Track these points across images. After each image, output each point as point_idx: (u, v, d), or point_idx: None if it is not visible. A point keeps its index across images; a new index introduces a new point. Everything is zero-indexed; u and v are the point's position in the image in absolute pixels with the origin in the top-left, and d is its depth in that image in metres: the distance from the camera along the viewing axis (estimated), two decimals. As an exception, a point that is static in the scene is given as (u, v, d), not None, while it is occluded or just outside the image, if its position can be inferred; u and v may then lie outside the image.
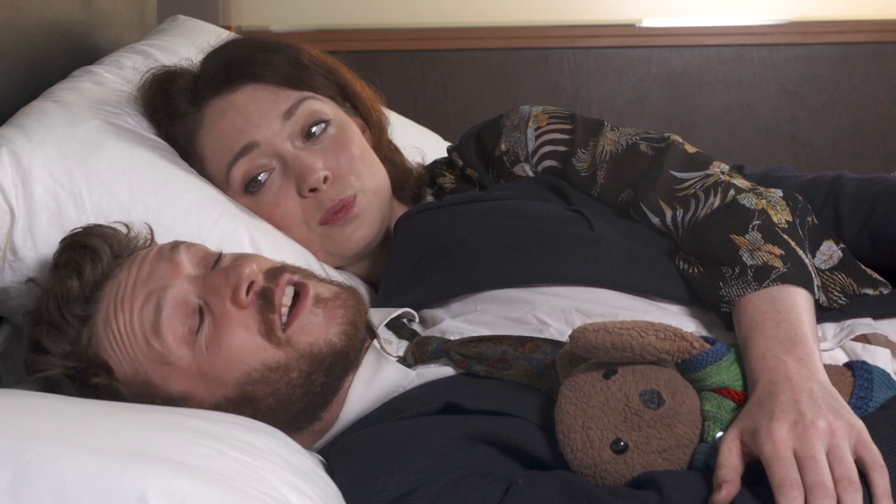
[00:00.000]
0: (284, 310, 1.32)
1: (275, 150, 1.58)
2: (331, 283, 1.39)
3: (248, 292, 1.29)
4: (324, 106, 1.63)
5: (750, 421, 1.15)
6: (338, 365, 1.33)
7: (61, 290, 1.32)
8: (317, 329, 1.31)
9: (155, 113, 1.67)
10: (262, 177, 1.58)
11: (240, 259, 1.34)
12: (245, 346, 1.29)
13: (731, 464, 1.13)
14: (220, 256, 1.36)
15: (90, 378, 1.31)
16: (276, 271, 1.34)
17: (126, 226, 1.43)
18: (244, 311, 1.30)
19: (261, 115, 1.59)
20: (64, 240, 1.40)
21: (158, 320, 1.29)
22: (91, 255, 1.34)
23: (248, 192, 1.59)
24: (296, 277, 1.34)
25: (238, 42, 1.71)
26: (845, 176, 1.57)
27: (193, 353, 1.29)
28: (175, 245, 1.35)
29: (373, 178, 1.62)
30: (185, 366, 1.29)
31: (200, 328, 1.29)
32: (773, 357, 1.21)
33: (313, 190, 1.57)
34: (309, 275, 1.38)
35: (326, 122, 1.61)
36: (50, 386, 1.33)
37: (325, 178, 1.57)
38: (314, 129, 1.60)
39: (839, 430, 1.12)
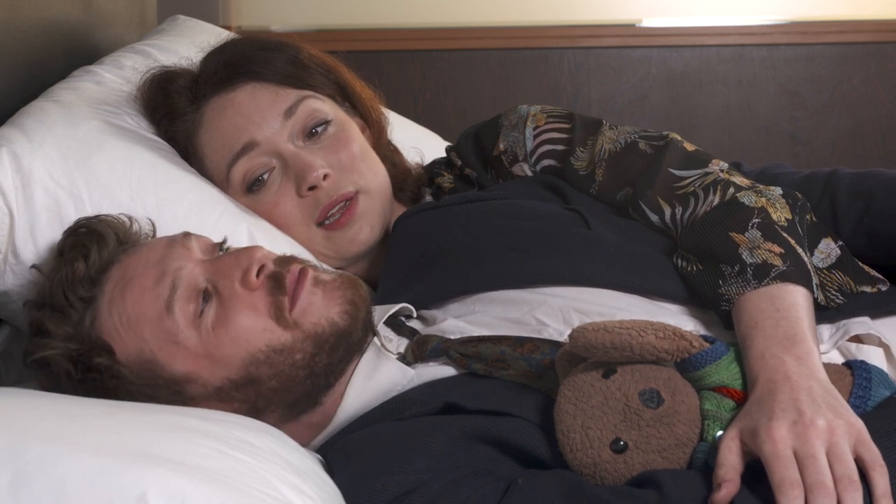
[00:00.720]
0: None
1: (275, 149, 1.58)
2: (331, 272, 1.40)
3: (258, 275, 1.31)
4: (324, 105, 1.63)
5: (749, 420, 1.15)
6: (341, 346, 1.33)
7: (67, 273, 1.33)
8: (318, 309, 1.32)
9: (154, 112, 1.66)
10: (262, 176, 1.58)
11: (244, 249, 1.36)
12: (252, 327, 1.30)
13: (730, 463, 1.13)
14: (224, 242, 1.37)
15: (92, 359, 1.31)
16: (286, 259, 1.36)
17: (129, 218, 1.44)
18: (253, 293, 1.31)
19: (261, 114, 1.58)
20: (68, 228, 1.42)
21: (173, 297, 1.29)
22: (97, 239, 1.36)
23: (248, 192, 1.59)
24: (299, 263, 1.36)
25: (238, 41, 1.71)
26: (840, 171, 1.57)
27: (200, 333, 1.29)
28: (186, 234, 1.37)
29: (374, 177, 1.62)
30: (191, 346, 1.29)
31: (206, 310, 1.30)
32: (773, 356, 1.21)
33: (312, 188, 1.57)
34: (310, 264, 1.39)
35: (327, 121, 1.61)
36: (48, 377, 1.33)
37: (325, 176, 1.57)
38: (315, 128, 1.60)
39: (839, 428, 1.12)
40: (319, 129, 1.60)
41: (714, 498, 1.10)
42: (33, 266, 1.45)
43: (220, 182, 1.61)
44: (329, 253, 1.61)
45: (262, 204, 1.59)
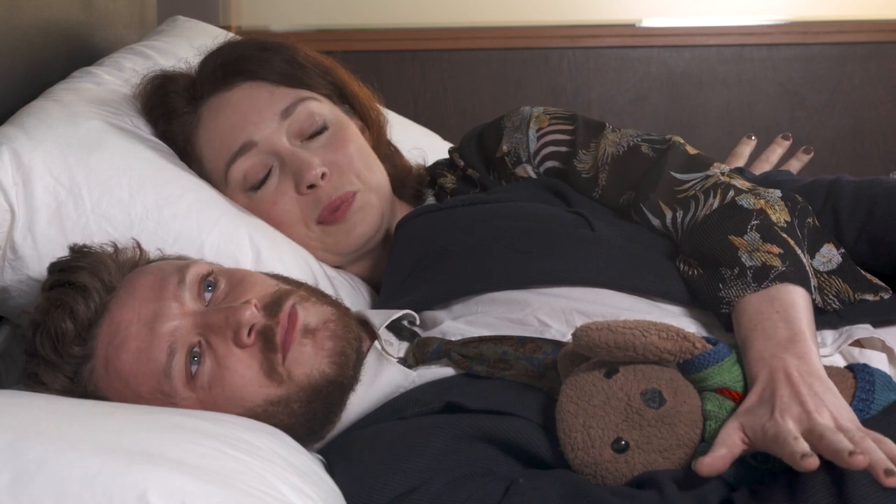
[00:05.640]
0: None
1: (272, 148, 1.58)
2: (323, 301, 1.37)
3: (249, 333, 1.28)
4: (322, 107, 1.63)
5: (753, 418, 1.15)
6: (335, 392, 1.33)
7: (56, 331, 1.30)
8: (309, 359, 1.31)
9: (152, 113, 1.66)
10: (260, 175, 1.58)
11: (237, 290, 1.33)
12: (248, 385, 1.29)
13: (732, 441, 1.12)
14: (211, 274, 1.34)
15: None
16: (274, 305, 1.32)
17: (113, 244, 1.40)
18: (247, 349, 1.29)
19: (258, 114, 1.58)
20: (53, 268, 1.37)
21: (171, 364, 1.28)
22: (82, 294, 1.31)
23: (246, 191, 1.59)
24: (290, 302, 1.32)
25: (234, 42, 1.71)
26: (843, 179, 1.56)
27: (196, 393, 1.29)
28: (181, 278, 1.32)
29: (373, 176, 1.62)
30: (189, 405, 1.29)
31: (202, 368, 1.28)
32: (772, 356, 1.21)
33: (311, 187, 1.57)
34: (303, 296, 1.35)
35: (324, 124, 1.61)
36: None
37: (323, 175, 1.57)
38: (313, 135, 1.59)
39: (842, 418, 1.13)
40: (317, 131, 1.60)
41: (701, 460, 1.10)
42: (24, 312, 1.40)
43: (219, 182, 1.61)
44: (328, 249, 1.61)
45: (261, 204, 1.59)
